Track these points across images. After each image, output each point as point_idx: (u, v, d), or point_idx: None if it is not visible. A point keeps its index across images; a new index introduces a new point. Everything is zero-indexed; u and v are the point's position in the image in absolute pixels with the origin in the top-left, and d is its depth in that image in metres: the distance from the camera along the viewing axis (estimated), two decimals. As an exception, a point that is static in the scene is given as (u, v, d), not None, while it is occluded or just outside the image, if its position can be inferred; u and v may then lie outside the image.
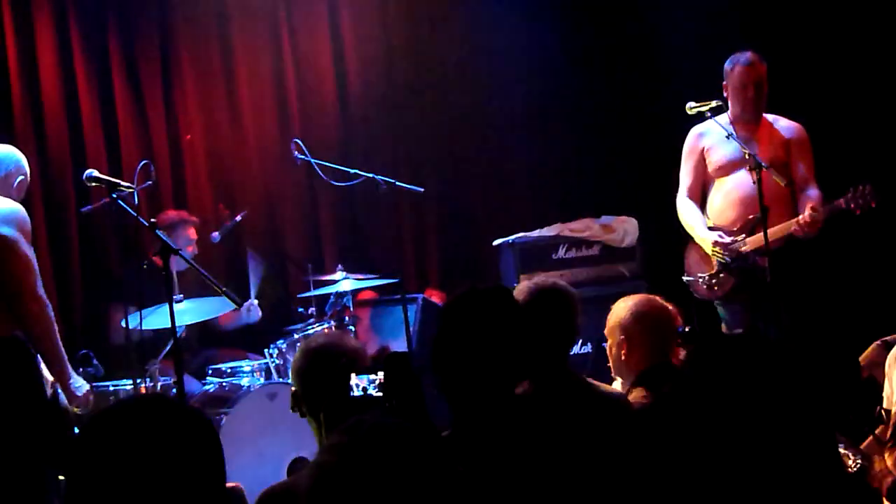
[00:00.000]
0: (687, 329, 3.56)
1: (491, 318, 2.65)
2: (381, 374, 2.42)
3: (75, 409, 4.28)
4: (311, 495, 1.62)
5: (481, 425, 2.55)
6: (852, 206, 4.92)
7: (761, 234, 4.88)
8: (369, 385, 2.42)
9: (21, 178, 4.35)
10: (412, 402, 2.37)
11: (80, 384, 4.25)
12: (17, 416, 4.04)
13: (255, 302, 6.08)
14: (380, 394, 2.41)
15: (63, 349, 4.19)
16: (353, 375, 2.44)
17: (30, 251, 4.11)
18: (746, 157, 4.90)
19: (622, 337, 3.45)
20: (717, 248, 5.14)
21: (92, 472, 1.62)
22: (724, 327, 5.26)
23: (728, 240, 5.13)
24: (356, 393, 2.44)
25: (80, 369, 5.15)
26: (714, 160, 5.26)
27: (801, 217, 4.93)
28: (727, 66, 5.17)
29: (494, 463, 2.46)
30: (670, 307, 3.54)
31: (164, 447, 1.64)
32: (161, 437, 1.65)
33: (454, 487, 1.65)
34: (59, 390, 4.25)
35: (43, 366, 4.19)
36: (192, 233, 5.98)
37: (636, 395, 3.28)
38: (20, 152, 4.44)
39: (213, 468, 1.69)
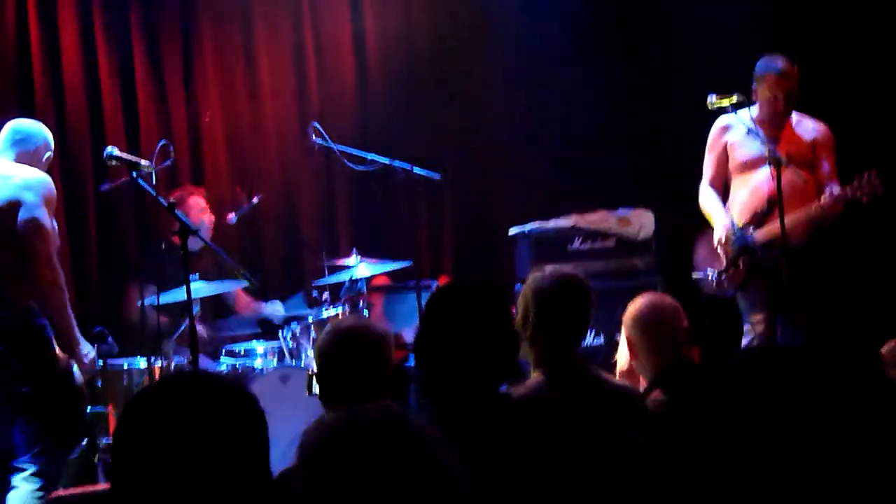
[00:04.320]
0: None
1: (473, 315, 2.57)
2: None
3: (84, 376, 4.33)
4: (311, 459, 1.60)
5: (461, 424, 2.47)
6: (858, 193, 4.89)
7: (770, 226, 4.89)
8: None
9: (49, 154, 4.45)
10: None
11: (88, 350, 4.31)
12: (30, 386, 4.09)
13: (280, 304, 6.14)
14: None
15: (73, 317, 4.23)
16: None
17: (48, 219, 4.16)
18: (767, 153, 4.88)
19: (628, 342, 3.44)
20: (725, 240, 5.14)
21: (135, 449, 1.58)
22: (745, 322, 5.21)
23: (737, 234, 5.12)
24: None
25: (95, 345, 5.20)
26: (737, 157, 5.22)
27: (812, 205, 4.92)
28: (758, 70, 5.08)
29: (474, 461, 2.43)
30: (674, 305, 3.44)
31: (206, 425, 1.59)
32: (204, 415, 1.59)
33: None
34: (74, 365, 4.28)
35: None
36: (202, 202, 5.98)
37: (654, 396, 3.26)
38: (47, 128, 4.51)
39: (257, 447, 1.64)
